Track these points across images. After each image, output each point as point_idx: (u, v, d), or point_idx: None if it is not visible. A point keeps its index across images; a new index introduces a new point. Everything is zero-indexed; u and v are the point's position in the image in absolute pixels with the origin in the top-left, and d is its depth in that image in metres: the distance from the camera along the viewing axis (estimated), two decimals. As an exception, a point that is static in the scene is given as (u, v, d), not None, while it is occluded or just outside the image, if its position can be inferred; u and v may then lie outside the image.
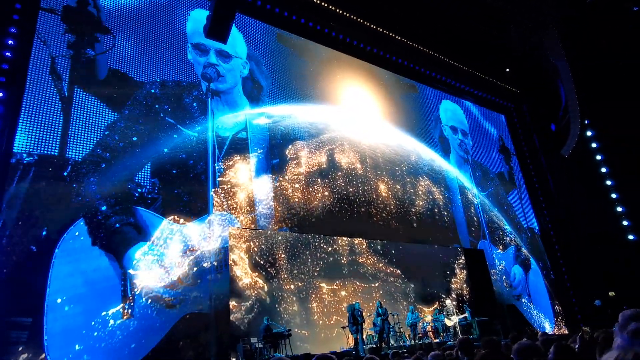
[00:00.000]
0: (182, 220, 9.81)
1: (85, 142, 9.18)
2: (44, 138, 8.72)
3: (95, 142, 9.25)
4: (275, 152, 12.25)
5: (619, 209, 18.09)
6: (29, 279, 7.74)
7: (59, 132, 8.93)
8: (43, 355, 7.42)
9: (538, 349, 3.10)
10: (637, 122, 16.63)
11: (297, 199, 12.07)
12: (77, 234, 8.40)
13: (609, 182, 18.48)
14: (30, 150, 8.50)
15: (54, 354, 7.51)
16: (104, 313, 8.23)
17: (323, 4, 14.58)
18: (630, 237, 17.62)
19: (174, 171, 10.14)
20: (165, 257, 9.27)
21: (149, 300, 8.78)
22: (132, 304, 8.58)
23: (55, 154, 8.77)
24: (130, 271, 8.77)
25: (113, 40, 10.42)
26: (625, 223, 17.88)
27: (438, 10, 15.40)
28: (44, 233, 8.11)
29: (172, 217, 9.72)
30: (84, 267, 8.27)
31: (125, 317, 8.44)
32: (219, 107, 11.52)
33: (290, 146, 12.68)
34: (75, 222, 8.44)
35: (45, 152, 8.66)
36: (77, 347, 7.77)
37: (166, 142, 10.28)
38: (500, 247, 16.97)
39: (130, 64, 10.48)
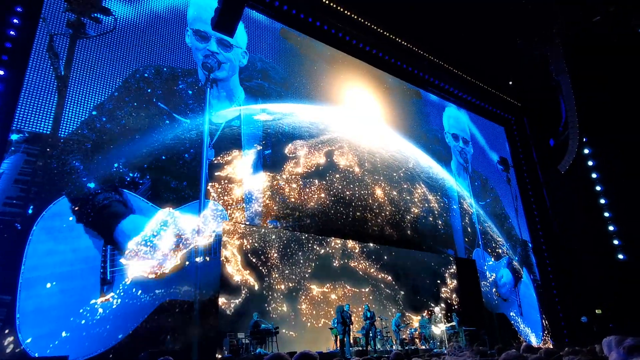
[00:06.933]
0: (169, 206, 9.72)
1: (78, 121, 9.12)
2: (37, 116, 8.65)
3: (81, 121, 9.15)
4: (273, 149, 12.20)
5: (611, 227, 18.21)
6: (9, 257, 7.67)
7: (53, 111, 8.87)
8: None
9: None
10: (634, 142, 16.76)
11: (293, 198, 12.04)
12: (58, 211, 8.29)
13: (602, 201, 18.61)
14: (22, 127, 8.44)
15: (27, 332, 7.42)
16: (82, 294, 8.13)
17: (331, 4, 14.56)
18: (620, 256, 17.74)
19: (163, 157, 10.03)
20: (150, 242, 9.18)
21: (132, 282, 8.67)
22: (112, 286, 8.48)
23: (48, 132, 8.70)
24: (114, 250, 8.65)
25: (114, 23, 10.35)
26: (616, 242, 18.00)
27: (445, 18, 15.42)
28: (30, 211, 8.05)
29: (159, 202, 9.62)
30: (63, 247, 8.16)
31: (104, 297, 8.33)
32: (215, 96, 11.44)
33: (289, 144, 12.65)
34: (56, 200, 8.34)
35: (37, 130, 8.60)
36: (54, 329, 7.68)
37: (157, 127, 10.15)
38: (493, 258, 17.03)
39: (125, 46, 10.39)
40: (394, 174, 15.10)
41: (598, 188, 18.81)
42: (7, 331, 7.31)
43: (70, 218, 8.41)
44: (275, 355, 2.27)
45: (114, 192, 9.04)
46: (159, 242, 9.28)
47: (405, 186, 15.19)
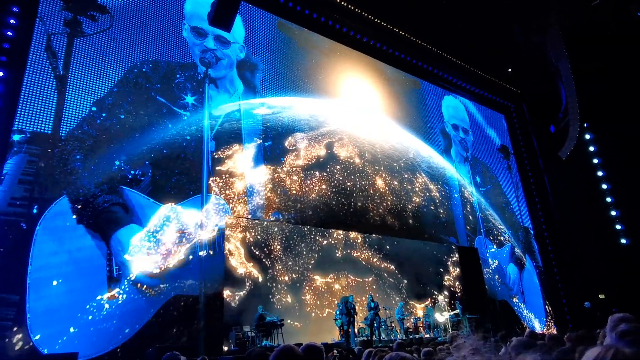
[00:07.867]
0: (172, 201, 9.76)
1: (78, 119, 9.14)
2: (38, 116, 8.69)
3: (81, 118, 9.16)
4: (273, 142, 12.23)
5: (613, 212, 18.22)
6: (16, 257, 7.76)
7: (53, 110, 8.89)
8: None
9: (535, 346, 3.15)
10: (635, 127, 16.71)
11: (294, 190, 12.10)
12: (60, 211, 8.33)
13: (604, 186, 18.60)
14: (23, 127, 8.48)
15: (37, 332, 7.51)
16: (89, 292, 8.21)
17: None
18: (623, 241, 17.78)
19: (164, 151, 10.04)
20: (154, 237, 9.24)
21: (137, 278, 8.74)
22: (118, 283, 8.54)
23: (49, 132, 8.74)
24: (117, 250, 8.71)
25: (111, 21, 10.35)
26: (618, 227, 18.03)
27: (442, 6, 15.34)
28: (35, 211, 8.11)
29: (161, 197, 9.64)
30: (68, 246, 8.21)
31: (110, 295, 8.40)
32: (214, 90, 11.43)
33: (289, 137, 12.67)
34: (57, 200, 8.38)
35: (39, 130, 8.63)
36: (62, 325, 7.77)
37: (157, 122, 10.15)
38: (495, 245, 17.10)
39: (122, 42, 10.38)
40: (395, 164, 15.12)
41: (600, 173, 18.79)
42: (15, 329, 7.42)
43: (74, 216, 8.47)
44: (285, 348, 2.31)
45: (114, 194, 9.04)
46: (163, 238, 9.35)
47: (406, 176, 15.22)
